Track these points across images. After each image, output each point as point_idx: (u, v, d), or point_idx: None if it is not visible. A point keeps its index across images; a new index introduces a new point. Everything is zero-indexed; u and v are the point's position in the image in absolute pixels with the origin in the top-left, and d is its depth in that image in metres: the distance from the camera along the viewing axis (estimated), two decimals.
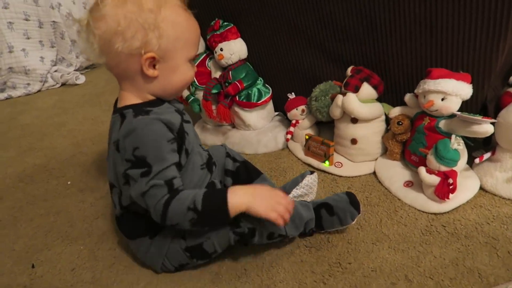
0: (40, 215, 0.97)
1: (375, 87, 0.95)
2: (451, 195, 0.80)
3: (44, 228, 0.92)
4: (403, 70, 0.96)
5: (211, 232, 0.70)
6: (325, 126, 1.12)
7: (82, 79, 2.00)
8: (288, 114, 1.11)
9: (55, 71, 1.98)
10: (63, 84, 1.99)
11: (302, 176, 0.86)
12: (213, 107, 1.14)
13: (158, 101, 0.69)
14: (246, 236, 0.70)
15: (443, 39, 0.87)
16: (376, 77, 0.95)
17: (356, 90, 0.93)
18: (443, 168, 0.80)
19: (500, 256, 0.70)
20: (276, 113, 1.22)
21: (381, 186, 0.93)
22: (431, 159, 0.80)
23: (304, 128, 1.09)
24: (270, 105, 1.18)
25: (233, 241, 0.71)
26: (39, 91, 1.94)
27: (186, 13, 0.68)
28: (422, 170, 0.82)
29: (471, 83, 0.83)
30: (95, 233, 0.89)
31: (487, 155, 0.87)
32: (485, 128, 0.77)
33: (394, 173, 0.93)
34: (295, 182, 0.86)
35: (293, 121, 1.10)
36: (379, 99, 0.99)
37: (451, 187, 0.79)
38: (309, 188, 0.85)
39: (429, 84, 0.82)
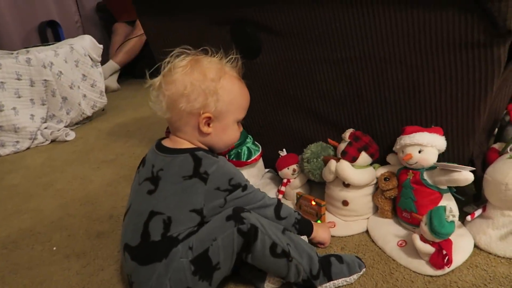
0: (24, 286, 0.93)
1: (372, 155, 0.96)
2: (447, 268, 0.78)
3: None
4: (389, 130, 0.98)
5: (217, 233, 0.72)
6: (316, 184, 1.12)
7: (72, 135, 2.00)
8: (280, 173, 1.11)
9: (45, 128, 1.98)
10: (52, 141, 1.99)
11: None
12: None
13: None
14: (249, 235, 0.71)
15: (426, 103, 0.90)
16: (374, 145, 0.97)
17: (353, 161, 0.94)
18: (438, 240, 0.79)
19: None
20: (267, 170, 1.22)
21: (374, 245, 0.91)
22: (425, 230, 0.79)
23: (296, 187, 1.09)
24: (261, 163, 1.19)
25: (236, 246, 0.71)
26: (28, 148, 1.92)
27: (240, 82, 0.84)
28: (416, 239, 0.81)
29: (446, 138, 0.87)
30: None
31: (478, 212, 0.87)
32: (465, 175, 0.78)
33: (387, 232, 0.92)
34: None
35: (285, 180, 1.10)
36: None
37: (446, 258, 0.78)
38: None
39: (405, 139, 0.86)
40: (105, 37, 3.38)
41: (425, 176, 0.86)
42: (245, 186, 0.79)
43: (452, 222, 0.78)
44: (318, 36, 0.96)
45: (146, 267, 0.73)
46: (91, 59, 2.23)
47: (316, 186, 1.13)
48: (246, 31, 1.04)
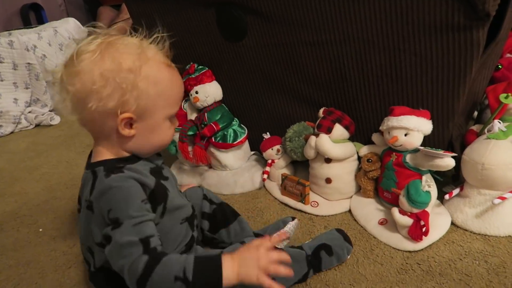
0: (9, 267, 0.93)
1: (346, 127, 0.98)
2: (424, 237, 0.81)
3: (13, 281, 0.88)
4: (372, 111, 1.00)
5: None
6: (301, 165, 1.14)
7: (57, 119, 1.98)
8: (264, 154, 1.12)
9: (29, 112, 1.95)
10: (37, 125, 1.96)
11: (284, 222, 0.86)
12: (189, 148, 1.14)
13: (133, 157, 0.66)
14: None
15: (408, 85, 0.92)
16: (347, 118, 0.99)
17: (328, 131, 0.96)
18: (415, 210, 0.82)
19: None
20: (252, 152, 1.23)
21: (357, 224, 0.94)
22: (403, 201, 0.82)
23: (280, 167, 1.10)
24: (246, 145, 1.20)
25: None
26: (12, 132, 1.90)
27: (170, 69, 0.65)
28: (395, 211, 0.84)
29: (431, 119, 0.88)
30: (67, 284, 0.85)
31: (456, 191, 0.90)
32: (446, 161, 0.80)
33: (369, 211, 0.94)
34: (277, 227, 0.86)
35: (269, 161, 1.12)
36: (351, 139, 1.02)
37: (423, 229, 0.81)
38: (289, 235, 0.85)
39: (392, 121, 0.87)
40: (90, 21, 3.31)
41: (407, 159, 0.87)
42: (120, 224, 0.57)
43: (428, 192, 0.81)
44: (302, 19, 0.96)
45: None
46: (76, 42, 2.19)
47: (301, 167, 1.15)
48: (232, 14, 1.04)
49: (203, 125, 1.12)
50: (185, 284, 0.56)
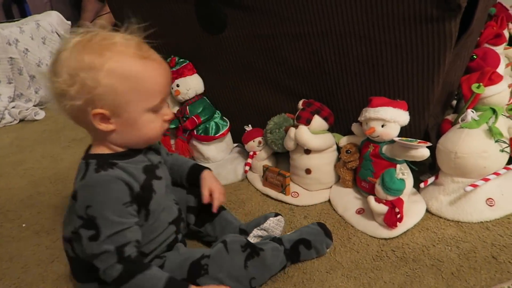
0: None
1: (325, 118, 0.99)
2: (398, 224, 0.83)
3: None
4: (351, 103, 1.01)
5: None
6: (283, 156, 1.16)
7: (41, 114, 1.97)
8: (246, 146, 1.13)
9: (13, 107, 1.94)
10: (21, 121, 1.95)
11: (265, 218, 0.87)
12: (172, 141, 1.15)
13: (130, 152, 0.68)
14: None
15: (385, 76, 0.94)
16: (326, 109, 1.00)
17: (307, 122, 0.97)
18: (390, 198, 0.83)
19: (444, 277, 0.74)
20: (235, 144, 1.24)
21: (335, 213, 0.96)
22: (378, 189, 0.84)
23: (262, 159, 1.12)
24: (229, 138, 1.21)
25: None
26: None
27: (144, 61, 0.63)
28: (371, 199, 0.86)
29: (407, 110, 0.89)
30: (50, 277, 0.86)
31: (431, 180, 0.92)
32: (421, 152, 0.82)
33: (348, 201, 0.96)
34: (257, 222, 0.87)
35: (251, 153, 1.13)
36: (331, 130, 1.04)
37: (398, 216, 0.83)
38: (271, 231, 0.86)
39: (370, 112, 0.88)
40: (74, 14, 3.27)
41: (384, 150, 0.89)
42: (98, 235, 0.60)
43: (402, 180, 0.82)
44: (282, 11, 0.97)
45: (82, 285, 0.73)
46: (59, 36, 2.17)
47: (283, 158, 1.16)
48: (210, 6, 1.04)
49: (185, 118, 1.13)
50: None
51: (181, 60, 1.15)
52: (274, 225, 0.85)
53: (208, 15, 1.06)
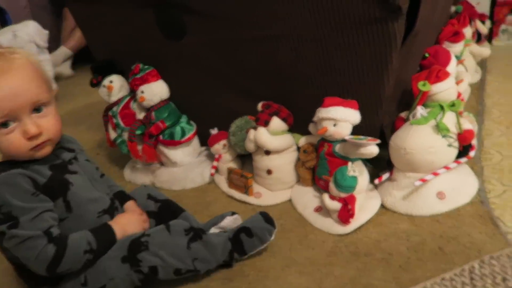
0: None
1: (284, 119, 1.02)
2: (351, 220, 0.86)
3: None
4: (309, 103, 1.03)
5: (114, 273, 0.72)
6: (249, 158, 1.18)
7: None
8: (211, 149, 1.15)
9: None
10: None
11: (222, 217, 0.89)
12: (139, 147, 1.17)
13: (29, 160, 0.71)
14: (149, 275, 0.73)
15: (338, 76, 0.96)
16: (284, 110, 1.03)
17: (266, 124, 1.00)
18: (343, 195, 0.86)
19: (392, 270, 0.76)
20: (204, 148, 1.26)
21: (296, 212, 0.98)
22: (331, 186, 0.87)
23: (227, 161, 1.14)
24: (196, 141, 1.23)
25: (137, 281, 0.73)
26: None
27: None
28: (325, 197, 0.88)
29: (359, 109, 0.92)
30: None
31: (385, 176, 0.95)
32: (369, 149, 0.84)
33: (307, 199, 0.99)
34: (215, 221, 0.89)
35: (216, 156, 1.15)
36: (291, 131, 1.06)
37: (351, 212, 0.85)
38: (228, 230, 0.88)
39: (322, 112, 0.91)
40: (56, 22, 3.28)
41: (337, 148, 0.91)
42: (17, 222, 0.64)
43: (354, 176, 0.85)
44: (238, 16, 0.99)
45: None
46: (37, 45, 2.18)
47: (249, 160, 1.18)
48: (169, 13, 1.06)
49: (151, 124, 1.15)
50: (93, 254, 0.70)
51: (146, 66, 1.17)
52: (231, 224, 0.88)
53: (168, 22, 1.08)
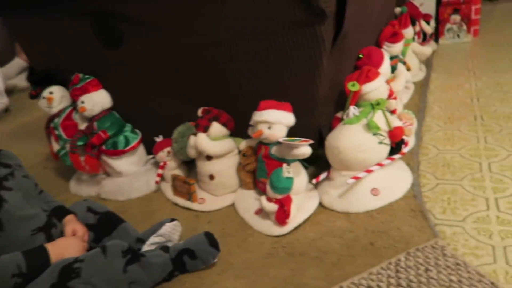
0: None
1: (224, 124, 1.02)
2: (287, 220, 0.87)
3: None
4: (249, 107, 1.05)
5: None
6: (195, 164, 1.18)
7: None
8: (156, 157, 1.15)
9: None
10: None
11: (161, 224, 0.88)
12: (82, 158, 1.15)
13: None
14: None
15: (273, 79, 0.98)
16: (224, 115, 1.03)
17: (205, 130, 1.00)
18: (279, 196, 0.87)
19: (324, 268, 0.78)
20: (150, 156, 1.25)
21: (238, 216, 0.99)
22: (268, 189, 0.88)
23: (172, 168, 1.13)
24: (141, 150, 1.22)
25: None
26: None
27: None
28: (262, 199, 0.89)
29: (294, 111, 0.93)
30: None
31: (323, 176, 0.97)
32: (302, 150, 0.86)
33: (248, 202, 0.99)
34: (154, 230, 0.88)
35: (161, 163, 1.14)
36: (234, 135, 1.07)
37: (286, 213, 0.87)
38: (167, 236, 0.88)
39: (256, 116, 0.93)
40: (10, 34, 3.19)
41: (273, 151, 0.93)
42: None
43: (289, 178, 0.86)
44: (173, 23, 1.00)
45: None
46: None
47: (195, 167, 1.18)
48: (105, 22, 1.05)
49: (92, 134, 1.13)
50: (22, 277, 0.68)
51: (86, 76, 1.15)
52: (171, 230, 0.87)
53: (104, 31, 1.07)
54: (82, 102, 1.13)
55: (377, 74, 0.94)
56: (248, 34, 0.94)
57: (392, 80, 1.02)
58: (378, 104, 0.89)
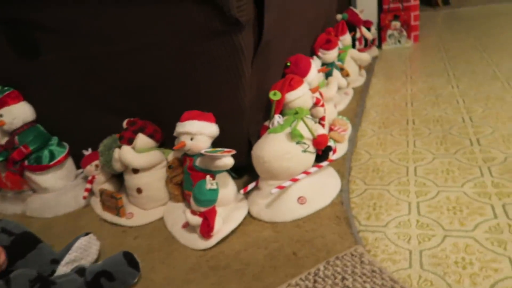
0: None
1: (151, 136, 0.99)
2: (212, 233, 0.85)
3: None
4: (176, 118, 1.02)
5: None
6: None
7: None
8: (84, 171, 1.10)
9: None
10: None
11: (75, 240, 0.85)
12: (3, 174, 1.08)
13: None
14: None
15: (199, 88, 0.96)
16: (150, 126, 1.00)
17: (129, 142, 0.97)
18: (203, 209, 0.85)
19: (245, 281, 0.76)
20: (80, 170, 1.20)
21: (166, 230, 0.96)
22: (191, 201, 0.86)
23: (101, 183, 1.09)
24: (69, 164, 1.17)
25: None
26: None
27: None
28: (187, 212, 0.87)
29: (221, 120, 0.92)
30: None
31: (251, 186, 0.96)
32: (224, 161, 0.84)
33: (176, 216, 0.97)
34: (68, 247, 0.84)
35: (89, 178, 1.10)
36: (163, 146, 1.04)
37: (210, 226, 0.85)
38: (83, 251, 0.84)
39: (179, 127, 0.90)
40: None
41: (197, 162, 0.91)
42: None
43: (212, 190, 0.84)
44: (93, 31, 0.96)
45: None
46: None
47: None
48: (19, 31, 1.00)
49: (13, 149, 1.07)
50: None
51: (5, 88, 1.09)
52: (86, 244, 0.84)
53: (20, 40, 1.02)
54: (1, 116, 1.07)
55: (300, 83, 0.95)
56: (170, 42, 0.92)
57: (318, 87, 1.03)
58: (296, 113, 0.89)
